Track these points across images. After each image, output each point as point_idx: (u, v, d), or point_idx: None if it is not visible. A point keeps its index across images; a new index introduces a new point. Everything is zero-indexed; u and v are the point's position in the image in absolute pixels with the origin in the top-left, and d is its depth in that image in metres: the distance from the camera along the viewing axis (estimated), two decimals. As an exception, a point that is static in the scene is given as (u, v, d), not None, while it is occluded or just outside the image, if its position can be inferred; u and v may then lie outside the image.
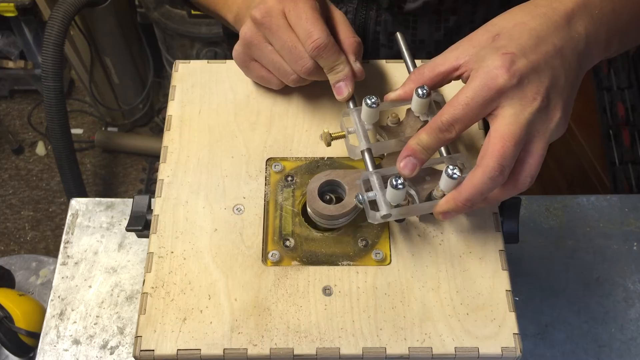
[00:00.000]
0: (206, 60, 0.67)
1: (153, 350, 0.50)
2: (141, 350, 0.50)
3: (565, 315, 0.79)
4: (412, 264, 0.55)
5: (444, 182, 0.51)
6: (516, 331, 0.51)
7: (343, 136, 0.56)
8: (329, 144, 0.57)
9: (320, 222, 0.57)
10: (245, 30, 0.59)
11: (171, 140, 0.61)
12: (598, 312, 0.79)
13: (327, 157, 0.61)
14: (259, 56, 0.60)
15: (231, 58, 0.63)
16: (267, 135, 0.62)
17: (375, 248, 0.56)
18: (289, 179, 0.60)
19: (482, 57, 0.50)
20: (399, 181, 0.49)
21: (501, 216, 0.58)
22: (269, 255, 0.55)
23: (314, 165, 0.61)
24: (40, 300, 1.02)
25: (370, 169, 0.54)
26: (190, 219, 0.57)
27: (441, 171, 0.51)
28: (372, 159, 0.54)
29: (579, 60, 0.52)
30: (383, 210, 0.51)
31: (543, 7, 0.52)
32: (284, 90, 0.63)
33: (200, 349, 0.50)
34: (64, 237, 0.83)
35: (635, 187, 1.35)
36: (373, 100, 0.54)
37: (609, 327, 0.78)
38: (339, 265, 0.55)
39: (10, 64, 1.95)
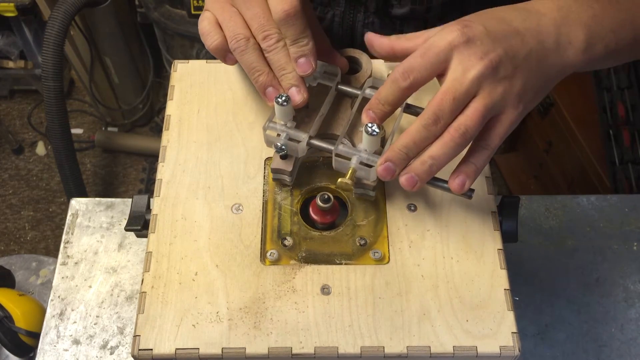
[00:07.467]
0: (205, 60, 0.67)
1: (151, 350, 0.50)
2: (139, 350, 0.50)
3: (565, 315, 0.78)
4: (410, 263, 0.54)
5: (365, 141, 0.53)
6: (515, 330, 0.51)
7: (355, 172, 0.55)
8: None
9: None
10: None
11: (170, 139, 0.61)
12: (598, 312, 0.79)
13: (326, 157, 0.61)
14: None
15: None
16: (266, 135, 0.62)
17: (373, 247, 0.56)
18: (288, 178, 0.59)
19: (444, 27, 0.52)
20: (373, 127, 0.52)
21: (500, 215, 0.57)
22: (268, 254, 0.55)
23: (312, 165, 0.60)
24: (40, 300, 1.02)
25: (332, 147, 0.54)
26: (189, 218, 0.57)
27: None
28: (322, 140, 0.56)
29: (547, 55, 0.52)
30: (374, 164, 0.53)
31: (518, 7, 0.54)
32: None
33: (198, 348, 0.50)
34: (64, 237, 0.83)
35: (635, 187, 1.35)
36: (283, 98, 0.54)
37: (609, 327, 0.78)
38: (337, 264, 0.55)
39: (10, 64, 1.94)
